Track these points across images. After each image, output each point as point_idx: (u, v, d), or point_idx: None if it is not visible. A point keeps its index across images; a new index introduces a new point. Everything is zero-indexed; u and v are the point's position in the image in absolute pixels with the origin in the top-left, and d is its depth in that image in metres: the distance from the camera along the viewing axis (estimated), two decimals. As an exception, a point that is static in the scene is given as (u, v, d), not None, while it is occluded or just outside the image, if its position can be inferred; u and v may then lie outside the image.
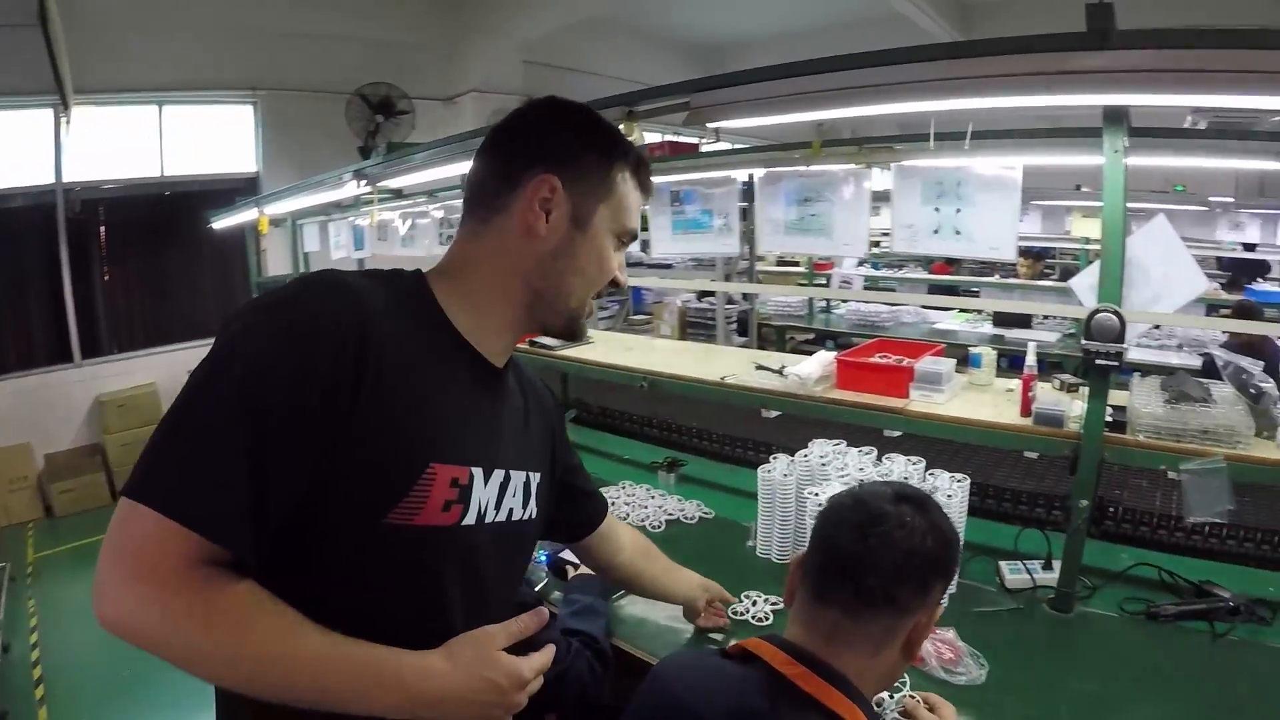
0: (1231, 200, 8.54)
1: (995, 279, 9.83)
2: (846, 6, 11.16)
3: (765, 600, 2.63)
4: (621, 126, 2.74)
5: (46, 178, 8.43)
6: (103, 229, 9.10)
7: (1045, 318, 8.28)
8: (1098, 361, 2.46)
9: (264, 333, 1.17)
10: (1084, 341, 2.49)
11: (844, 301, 9.66)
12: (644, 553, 2.32)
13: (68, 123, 8.20)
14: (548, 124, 1.45)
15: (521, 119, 1.46)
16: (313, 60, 9.83)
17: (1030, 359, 2.95)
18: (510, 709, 1.33)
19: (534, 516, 1.58)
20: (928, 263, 10.33)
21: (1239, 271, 9.65)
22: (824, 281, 9.88)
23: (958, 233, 2.95)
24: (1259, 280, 9.75)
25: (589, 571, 2.74)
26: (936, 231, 2.99)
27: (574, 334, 1.55)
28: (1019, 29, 8.02)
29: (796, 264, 10.45)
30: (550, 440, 1.76)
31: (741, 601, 2.63)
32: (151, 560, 1.07)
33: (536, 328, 1.50)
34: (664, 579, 2.37)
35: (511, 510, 1.48)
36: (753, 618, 2.56)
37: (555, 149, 1.41)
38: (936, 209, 2.98)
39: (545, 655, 1.41)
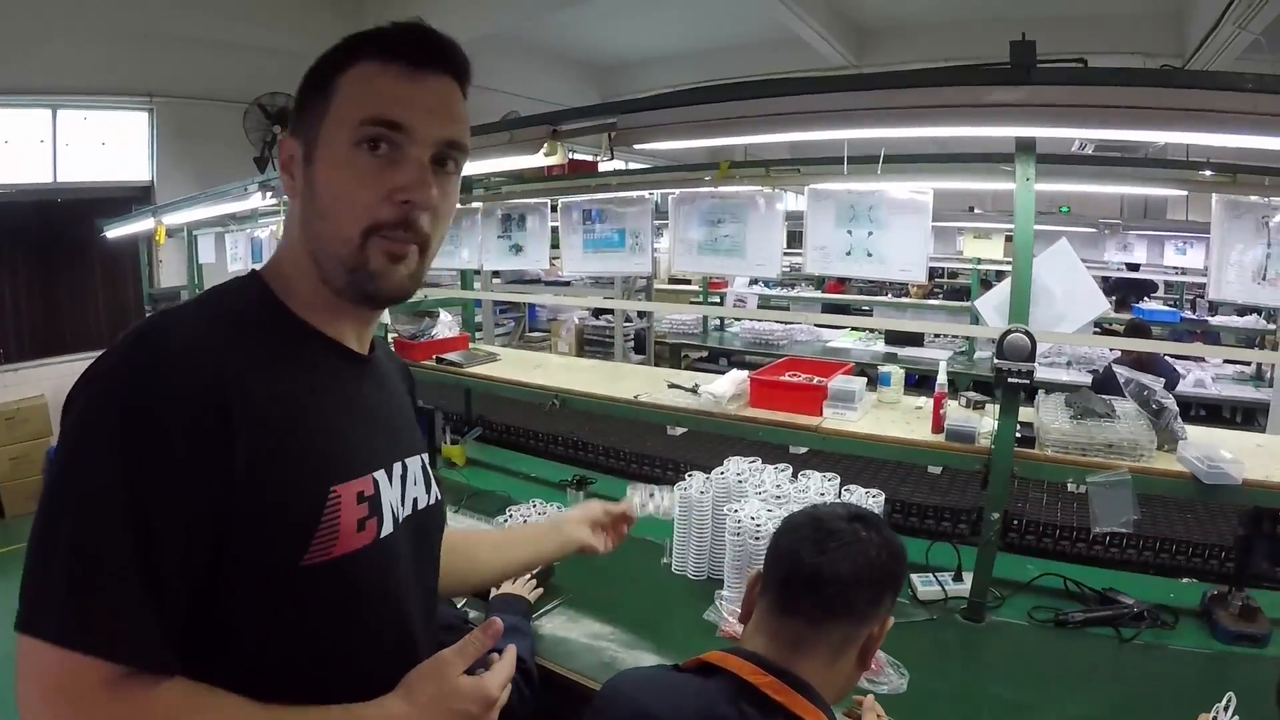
0: (1119, 222, 8.87)
1: (887, 298, 10.05)
2: (745, 28, 11.26)
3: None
4: (545, 146, 2.76)
5: None
6: None
7: (937, 336, 8.47)
8: (1009, 380, 2.55)
9: (106, 412, 1.03)
10: (996, 360, 2.59)
11: (737, 320, 9.73)
12: (482, 541, 1.95)
13: None
14: (300, 89, 1.26)
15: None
16: (209, 68, 9.49)
17: (941, 377, 3.02)
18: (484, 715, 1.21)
19: (439, 497, 1.46)
20: (820, 282, 10.50)
21: (1127, 291, 10.01)
22: (719, 300, 9.97)
23: (870, 255, 3.04)
24: (1146, 299, 10.15)
25: (511, 591, 2.73)
26: (849, 253, 3.07)
27: (368, 293, 1.23)
28: (910, 55, 8.34)
29: (689, 282, 10.53)
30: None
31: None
32: (69, 693, 0.98)
33: (347, 297, 1.24)
34: (531, 547, 1.97)
35: (416, 499, 1.37)
36: (656, 508, 2.28)
37: (295, 108, 1.27)
38: (849, 231, 3.05)
39: (507, 664, 1.29)
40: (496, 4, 9.25)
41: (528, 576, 2.82)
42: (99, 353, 1.09)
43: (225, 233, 7.24)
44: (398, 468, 1.32)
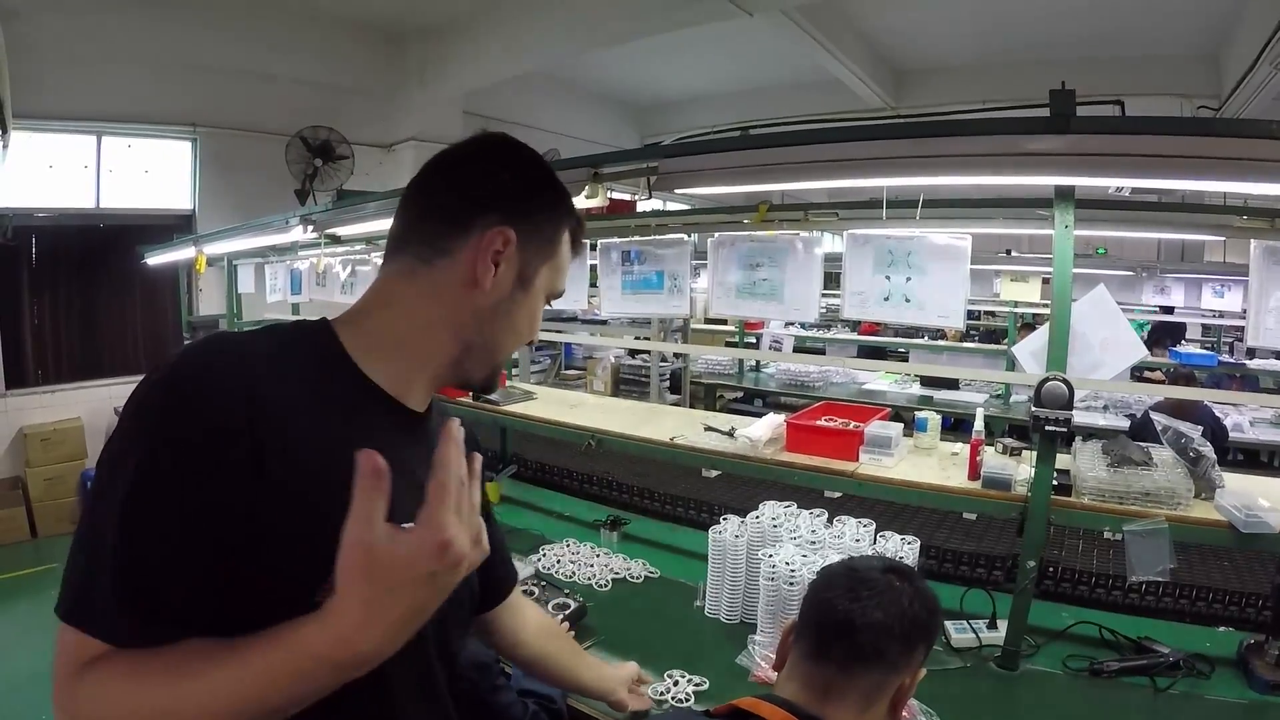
0: (1156, 265, 8.82)
1: (923, 341, 10.00)
2: (783, 70, 11.32)
3: (688, 680, 2.59)
4: (587, 188, 2.78)
5: None
6: (33, 256, 8.79)
7: (972, 380, 8.41)
8: (1047, 428, 2.53)
9: (150, 422, 1.06)
10: (1034, 408, 2.56)
11: (773, 361, 9.73)
12: (551, 632, 2.10)
13: (4, 148, 7.93)
14: (505, 170, 1.34)
15: (476, 158, 1.35)
16: (253, 99, 9.65)
17: (978, 424, 3.01)
18: (459, 570, 0.98)
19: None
20: (855, 323, 10.46)
21: (1161, 334, 9.92)
22: (754, 341, 9.96)
23: (908, 300, 3.03)
24: (1182, 342, 10.06)
25: None
26: (887, 299, 3.06)
27: (492, 388, 1.51)
28: (947, 97, 8.35)
29: (725, 322, 10.51)
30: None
31: (664, 680, 2.59)
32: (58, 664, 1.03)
33: (456, 381, 1.37)
34: (577, 663, 2.14)
35: None
36: (673, 698, 2.52)
37: (513, 200, 1.31)
38: (887, 277, 3.05)
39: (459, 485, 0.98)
40: (534, 44, 9.33)
41: (560, 617, 2.82)
42: (136, 378, 1.11)
43: (265, 263, 7.28)
44: None
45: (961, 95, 10.08)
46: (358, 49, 10.12)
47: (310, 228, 4.85)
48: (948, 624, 2.85)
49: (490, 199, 1.29)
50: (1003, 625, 2.78)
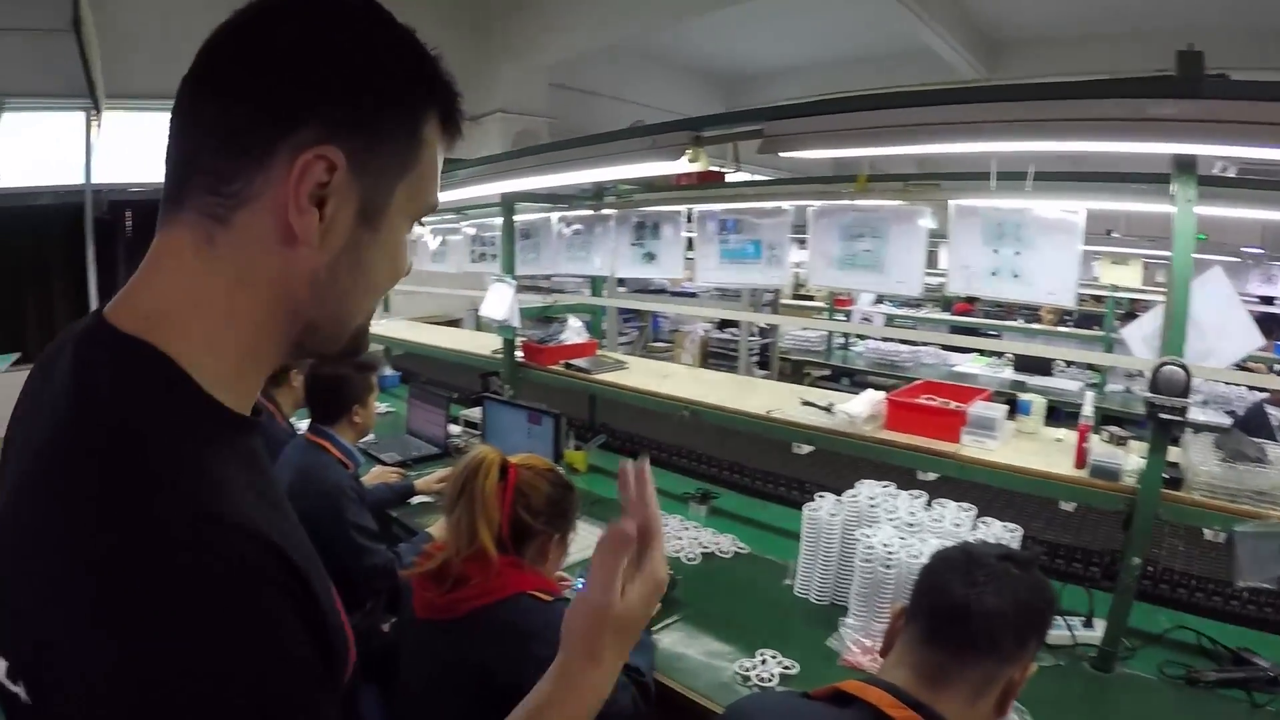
0: (1261, 251, 8.50)
1: (1018, 323, 9.77)
2: (874, 40, 11.17)
3: (777, 660, 2.55)
4: (687, 153, 2.70)
5: (76, 178, 8.39)
6: (129, 230, 8.92)
7: (1068, 365, 8.19)
8: (1161, 416, 2.41)
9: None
10: (1149, 394, 2.43)
11: (861, 339, 9.59)
12: None
13: (99, 126, 8.23)
14: (328, 55, 0.84)
15: (271, 33, 0.84)
16: None
17: (1087, 409, 2.88)
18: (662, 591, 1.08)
19: None
20: (947, 303, 10.28)
21: (1261, 325, 9.53)
22: (844, 317, 9.83)
23: (1016, 276, 2.89)
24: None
25: None
26: (994, 274, 2.93)
27: (360, 349, 1.01)
28: (1044, 67, 8.13)
29: (813, 297, 10.40)
30: None
31: (753, 658, 2.57)
32: None
33: (302, 359, 1.07)
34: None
35: None
36: (757, 677, 2.49)
37: (335, 95, 0.84)
38: (995, 250, 2.92)
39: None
40: (621, 15, 9.35)
41: None
42: None
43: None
44: None
45: (1058, 67, 9.77)
46: (442, 22, 10.20)
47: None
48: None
49: (298, 102, 0.83)
50: (1099, 624, 2.67)
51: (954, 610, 1.52)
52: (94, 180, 8.54)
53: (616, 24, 9.60)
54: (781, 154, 2.53)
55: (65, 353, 0.84)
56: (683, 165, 2.74)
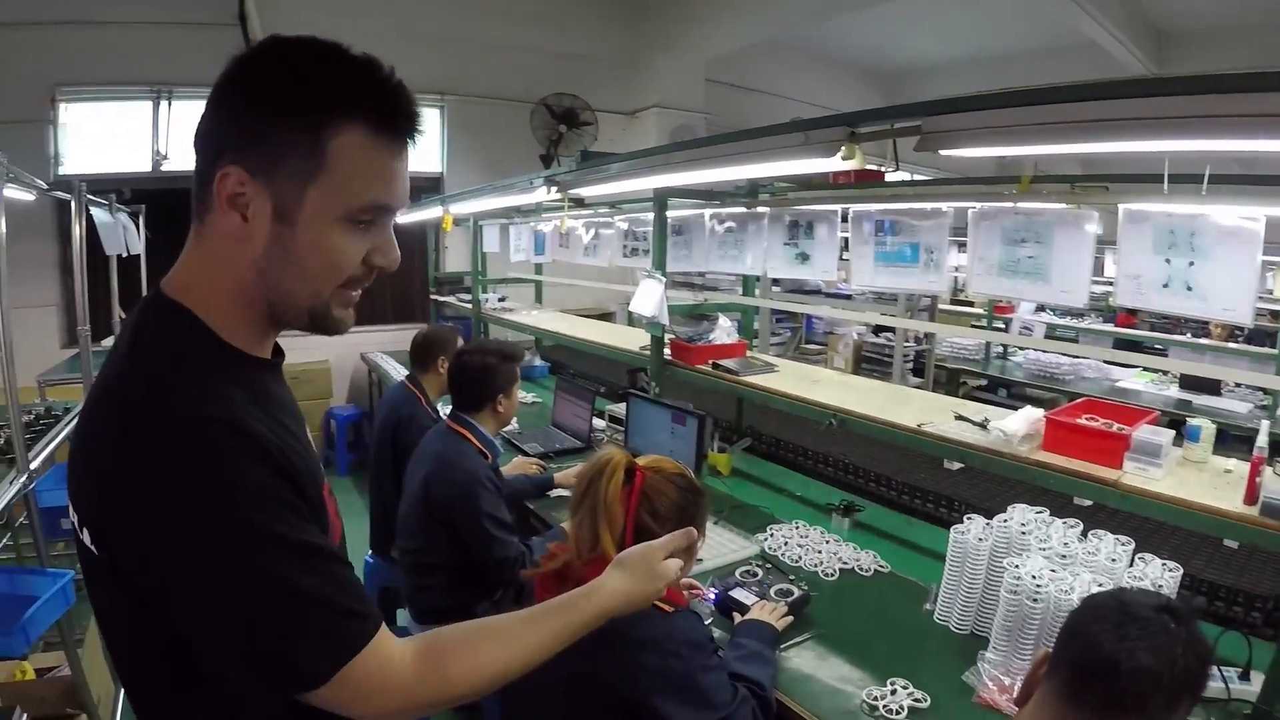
0: None
1: (1185, 337, 9.27)
2: (1035, 33, 10.80)
3: (908, 692, 2.41)
4: (842, 150, 2.57)
5: None
6: None
7: (1237, 385, 7.66)
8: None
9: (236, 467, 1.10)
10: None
11: (1021, 349, 9.22)
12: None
13: None
14: (236, 94, 1.15)
15: (217, 90, 1.17)
16: (499, 69, 10.01)
17: (1261, 439, 2.60)
18: (659, 591, 1.60)
19: None
20: (1110, 312, 9.85)
21: None
22: (1003, 326, 9.51)
23: (1189, 288, 2.65)
24: None
25: (759, 617, 2.62)
26: (1166, 285, 2.70)
27: (327, 329, 1.30)
28: (1214, 61, 7.68)
29: (971, 304, 10.09)
30: None
31: (885, 685, 2.44)
32: (376, 682, 1.16)
33: (298, 328, 1.31)
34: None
35: None
36: (885, 708, 2.35)
37: (242, 128, 1.14)
38: (1168, 260, 2.68)
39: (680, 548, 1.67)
40: (776, 9, 9.28)
41: (781, 604, 2.72)
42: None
43: (509, 224, 7.47)
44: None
45: (1231, 60, 9.28)
46: (600, 17, 10.45)
47: (554, 189, 4.81)
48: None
49: (220, 138, 1.16)
50: (1256, 678, 2.38)
51: (1101, 666, 1.41)
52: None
53: (771, 19, 9.53)
54: (941, 152, 2.38)
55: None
56: (836, 163, 2.61)
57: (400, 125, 1.21)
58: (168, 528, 1.05)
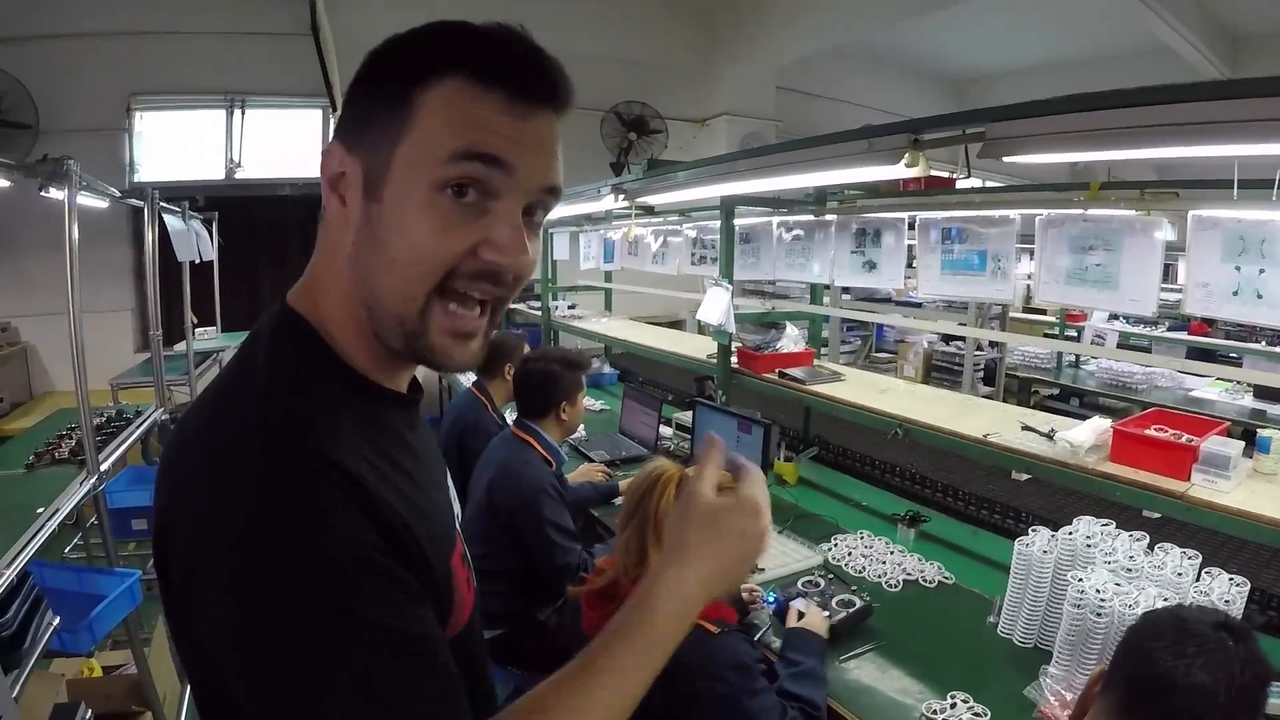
0: None
1: (1261, 346, 9.04)
2: (1108, 37, 10.63)
3: (968, 706, 2.38)
4: (906, 156, 2.55)
5: (314, 172, 8.93)
6: None
7: None
8: None
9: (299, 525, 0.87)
10: None
11: (1094, 358, 9.06)
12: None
13: (335, 123, 8.80)
14: (353, 83, 1.02)
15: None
16: (570, 76, 10.02)
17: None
18: (764, 539, 1.11)
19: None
20: (1184, 321, 9.63)
21: None
22: (1075, 335, 9.35)
23: (1260, 296, 2.58)
24: None
25: (806, 625, 2.60)
26: (1236, 293, 2.64)
27: (422, 354, 1.01)
28: None
29: (1044, 312, 9.93)
30: None
31: (945, 699, 2.42)
32: None
33: (404, 357, 1.05)
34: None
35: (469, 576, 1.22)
36: None
37: (348, 110, 1.01)
38: (1237, 268, 2.62)
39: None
40: (844, 16, 9.31)
41: (842, 614, 2.71)
42: None
43: (579, 232, 7.53)
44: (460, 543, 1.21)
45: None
46: (669, 26, 10.51)
47: (622, 196, 4.82)
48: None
49: (337, 126, 1.05)
50: None
51: (1156, 682, 1.39)
52: (331, 174, 9.18)
53: (839, 25, 9.55)
54: (1005, 159, 2.35)
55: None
56: (900, 170, 2.59)
57: (521, 74, 0.98)
58: (230, 572, 0.85)
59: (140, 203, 4.95)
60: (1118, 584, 2.47)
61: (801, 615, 2.69)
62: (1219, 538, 3.05)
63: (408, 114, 0.95)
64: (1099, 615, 2.36)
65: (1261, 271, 2.55)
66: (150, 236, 4.89)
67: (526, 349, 4.68)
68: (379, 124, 0.96)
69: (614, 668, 1.00)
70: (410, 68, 0.97)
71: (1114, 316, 9.05)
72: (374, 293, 0.99)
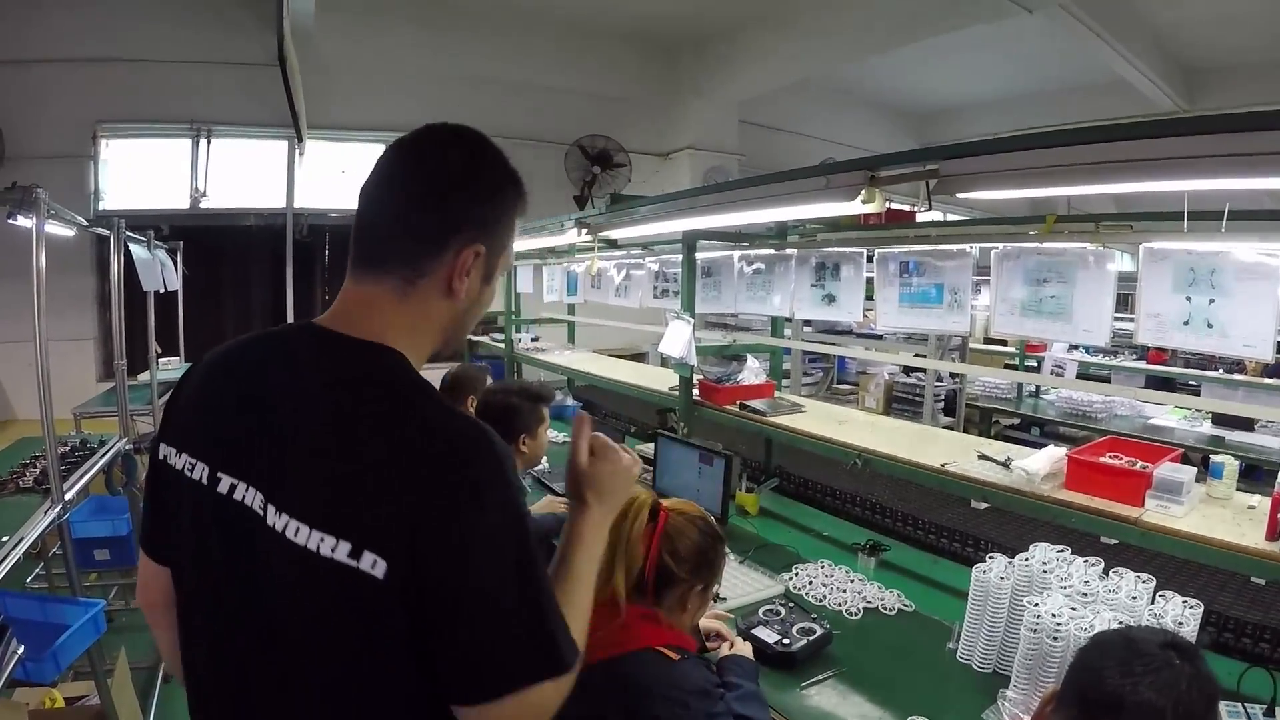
0: None
1: (1218, 374, 9.17)
2: (1067, 72, 10.84)
3: None
4: (863, 193, 2.61)
5: (278, 202, 9.00)
6: (326, 253, 9.72)
7: (1271, 421, 7.57)
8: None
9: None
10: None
11: (1054, 388, 9.15)
12: None
13: (301, 154, 8.88)
14: (477, 185, 1.43)
15: (448, 173, 1.41)
16: (533, 110, 10.19)
17: (1283, 475, 2.62)
18: (634, 464, 1.65)
19: None
20: (1142, 350, 9.75)
21: None
22: (1035, 365, 9.45)
23: (1210, 325, 2.66)
24: None
25: (737, 653, 2.61)
26: (1187, 323, 2.71)
27: (455, 356, 1.46)
28: (1245, 98, 7.64)
29: (1005, 343, 10.03)
30: None
31: None
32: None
33: (443, 357, 1.62)
34: None
35: None
36: None
37: (485, 216, 1.42)
38: (1188, 298, 2.69)
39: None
40: (806, 52, 9.46)
41: (803, 642, 2.73)
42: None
43: (543, 265, 7.53)
44: None
45: (1262, 97, 9.23)
46: (632, 61, 10.59)
47: (584, 230, 4.86)
48: (1220, 706, 2.50)
49: (464, 220, 1.39)
50: None
51: (1106, 701, 1.43)
52: (295, 204, 9.21)
53: (802, 61, 9.69)
54: (958, 195, 2.41)
55: (304, 347, 1.39)
56: (857, 206, 2.65)
57: (525, 203, 1.53)
58: (485, 537, 1.21)
59: (106, 232, 4.94)
60: (1073, 608, 2.50)
61: (731, 645, 2.71)
62: (1177, 562, 3.14)
63: (512, 233, 1.48)
64: (1055, 639, 2.40)
65: (1211, 301, 2.63)
66: (116, 265, 4.88)
67: (489, 381, 4.68)
68: (500, 242, 1.45)
69: (585, 573, 1.50)
70: (513, 198, 1.47)
71: (1073, 346, 9.16)
72: (459, 332, 1.49)
